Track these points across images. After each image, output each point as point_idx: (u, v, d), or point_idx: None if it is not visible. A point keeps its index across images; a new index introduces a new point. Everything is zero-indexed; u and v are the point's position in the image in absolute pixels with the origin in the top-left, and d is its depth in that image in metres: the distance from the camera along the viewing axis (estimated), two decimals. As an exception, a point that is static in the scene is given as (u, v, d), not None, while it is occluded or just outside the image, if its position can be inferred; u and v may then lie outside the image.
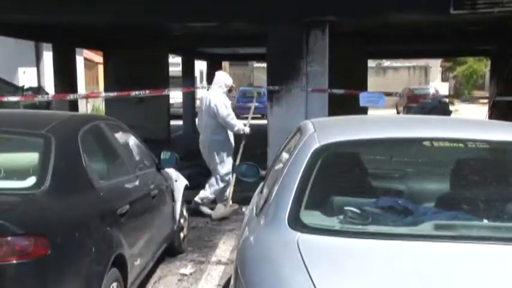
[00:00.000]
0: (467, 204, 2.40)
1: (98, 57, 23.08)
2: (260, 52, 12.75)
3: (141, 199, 4.04)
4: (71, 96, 8.61)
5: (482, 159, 2.76)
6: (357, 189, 2.62)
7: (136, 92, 7.92)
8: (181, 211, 5.26)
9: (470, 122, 3.92)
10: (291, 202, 2.36)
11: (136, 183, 4.06)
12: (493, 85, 14.95)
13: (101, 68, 17.73)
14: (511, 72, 12.36)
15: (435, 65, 35.41)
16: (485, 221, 2.27)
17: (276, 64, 7.56)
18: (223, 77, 7.20)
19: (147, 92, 7.93)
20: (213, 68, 20.29)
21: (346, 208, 2.32)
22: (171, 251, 5.08)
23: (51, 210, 2.82)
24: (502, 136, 2.77)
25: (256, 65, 33.74)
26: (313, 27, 7.36)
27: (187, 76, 17.67)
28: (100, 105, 18.59)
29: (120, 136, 4.28)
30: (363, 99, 7.72)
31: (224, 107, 6.81)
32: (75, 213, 2.97)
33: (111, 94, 8.14)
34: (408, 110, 23.44)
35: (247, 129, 7.06)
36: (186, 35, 12.65)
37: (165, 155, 4.78)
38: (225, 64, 30.52)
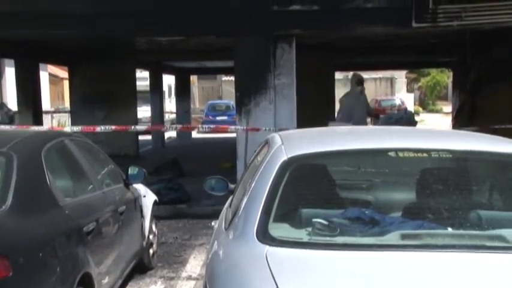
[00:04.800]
0: (432, 213, 2.43)
1: (63, 73, 22.76)
2: (228, 65, 12.80)
3: (108, 216, 3.97)
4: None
5: (445, 168, 2.81)
6: (324, 200, 2.63)
7: (102, 127, 7.74)
8: (151, 227, 5.20)
9: (434, 132, 4.00)
10: (259, 215, 2.35)
11: (104, 199, 3.99)
12: (455, 96, 15.31)
13: (66, 84, 17.47)
14: (472, 83, 12.69)
15: (400, 77, 36.06)
16: (450, 229, 2.30)
17: (243, 77, 7.59)
18: None
19: (113, 127, 7.77)
20: (181, 82, 20.32)
21: (314, 220, 2.32)
22: (140, 267, 5.00)
23: (13, 230, 2.75)
24: (464, 145, 2.82)
25: (224, 78, 33.79)
26: (280, 41, 7.44)
27: (155, 90, 17.56)
28: (66, 121, 18.30)
29: (86, 152, 4.22)
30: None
31: None
32: (38, 232, 2.90)
33: (75, 128, 7.78)
34: (375, 121, 23.76)
35: None
36: (153, 49, 12.59)
37: (132, 170, 4.73)
38: (194, 78, 30.51)
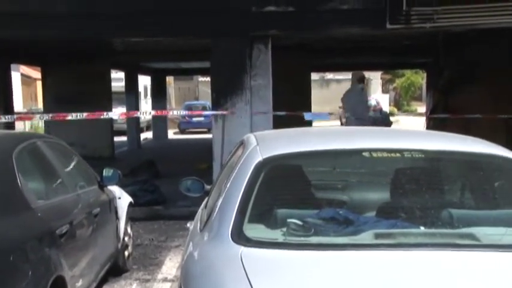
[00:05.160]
0: (405, 212, 2.46)
1: (36, 73, 22.42)
2: (205, 66, 12.74)
3: (82, 218, 3.92)
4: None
5: (418, 168, 2.85)
6: (299, 201, 2.64)
7: (74, 115, 7.63)
8: (126, 229, 5.15)
9: (408, 132, 4.05)
10: (234, 216, 2.35)
11: (77, 202, 3.94)
12: (429, 96, 15.54)
13: (39, 84, 17.20)
14: (444, 84, 12.90)
15: (376, 78, 36.40)
16: (422, 228, 2.33)
17: (220, 78, 7.58)
18: None
19: (84, 115, 7.66)
20: (157, 82, 20.20)
21: (288, 220, 2.33)
22: (115, 270, 4.95)
23: (-17, 233, 2.69)
24: (436, 145, 2.87)
25: (201, 79, 33.66)
26: (256, 41, 7.44)
27: (131, 91, 17.42)
28: (39, 122, 18.01)
29: (59, 154, 4.16)
30: (308, 115, 8.03)
31: None
32: (9, 235, 2.85)
33: (46, 116, 7.70)
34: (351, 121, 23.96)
35: None
36: (129, 49, 12.48)
37: (107, 172, 4.68)
38: (170, 79, 30.35)
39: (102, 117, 8.69)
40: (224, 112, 7.32)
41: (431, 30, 7.41)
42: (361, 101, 9.17)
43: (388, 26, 6.98)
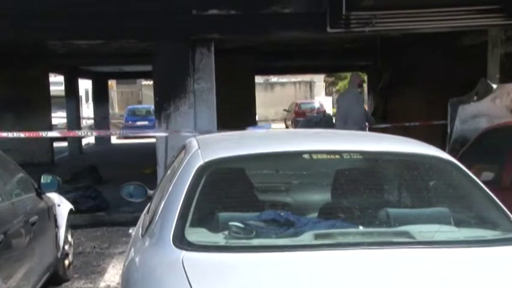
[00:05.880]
0: (344, 212, 2.52)
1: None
2: (148, 70, 12.59)
3: (18, 227, 3.78)
4: None
5: (357, 169, 2.92)
6: (242, 204, 2.65)
7: (10, 134, 7.32)
8: (66, 237, 5.01)
9: (348, 134, 4.14)
10: (175, 221, 2.33)
11: (12, 210, 3.80)
12: (370, 98, 15.96)
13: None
14: (383, 87, 13.30)
15: (319, 80, 37.07)
16: (361, 227, 2.39)
17: (162, 82, 7.51)
18: None
19: (22, 134, 7.37)
20: (99, 86, 19.75)
21: (230, 223, 2.33)
22: (55, 280, 4.80)
23: None
24: (374, 147, 2.95)
25: (144, 82, 33.20)
26: (199, 45, 7.42)
27: (71, 95, 16.94)
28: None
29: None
30: (250, 128, 7.97)
31: None
32: None
33: None
34: (296, 124, 24.34)
35: None
36: (68, 53, 12.14)
37: (45, 178, 4.54)
38: (112, 82, 29.75)
39: (41, 136, 8.38)
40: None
41: (370, 34, 7.63)
42: (358, 104, 8.74)
43: (329, 29, 7.12)
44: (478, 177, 3.56)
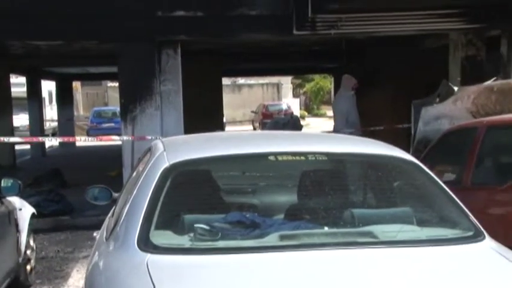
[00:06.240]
0: (309, 213, 2.54)
1: None
2: (114, 71, 12.41)
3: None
4: None
5: (322, 170, 2.94)
6: (208, 206, 2.64)
7: None
8: (28, 241, 4.90)
9: (313, 135, 4.18)
10: (140, 223, 2.32)
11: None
12: (337, 100, 16.12)
13: None
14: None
15: (286, 82, 37.26)
16: (326, 228, 2.42)
17: (128, 84, 7.44)
18: None
19: None
20: (63, 88, 19.37)
21: (196, 225, 2.33)
22: (16, 286, 4.68)
23: None
24: (339, 148, 2.98)
25: (110, 84, 32.74)
26: (165, 46, 7.39)
27: (33, 97, 16.57)
28: None
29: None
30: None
31: None
32: None
33: None
34: (263, 126, 24.41)
35: None
36: (29, 53, 11.87)
37: (5, 182, 4.43)
38: (77, 84, 29.26)
39: (3, 140, 8.17)
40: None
41: (336, 36, 7.73)
42: (354, 106, 8.68)
43: (295, 32, 7.18)
44: (441, 177, 3.66)
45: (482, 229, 2.40)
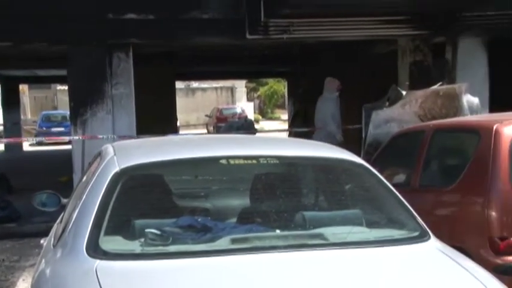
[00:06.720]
0: (262, 217, 2.55)
1: None
2: (63, 74, 12.13)
3: None
4: None
5: (273, 173, 2.96)
6: (159, 210, 2.62)
7: None
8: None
9: (266, 139, 4.21)
10: (89, 229, 2.27)
11: None
12: (290, 104, 16.31)
13: None
14: (302, 93, 13.63)
15: (240, 86, 37.35)
16: (277, 231, 2.43)
17: (78, 87, 7.30)
18: None
19: None
20: (9, 91, 18.75)
21: (146, 230, 2.30)
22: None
23: None
24: (290, 151, 3.01)
25: (59, 87, 31.93)
26: (116, 49, 7.28)
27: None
28: None
29: None
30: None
31: None
32: None
33: None
34: (218, 129, 24.38)
35: None
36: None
37: None
38: (24, 87, 28.40)
39: None
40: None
41: (288, 41, 7.82)
42: (339, 109, 8.71)
43: (248, 36, 7.23)
44: (391, 179, 3.75)
45: (427, 229, 2.47)
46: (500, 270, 3.20)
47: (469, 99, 5.88)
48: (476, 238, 3.53)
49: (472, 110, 5.81)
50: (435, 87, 6.48)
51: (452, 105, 5.71)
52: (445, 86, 6.48)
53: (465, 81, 6.73)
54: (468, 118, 5.30)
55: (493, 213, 3.45)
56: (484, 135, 3.72)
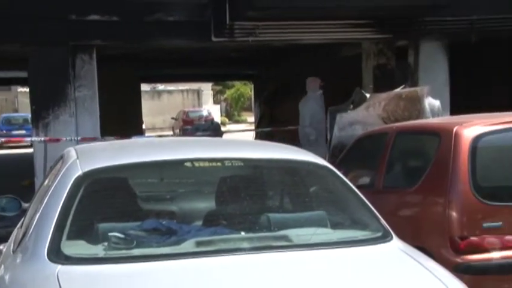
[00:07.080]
0: (227, 219, 2.55)
1: None
2: (25, 76, 11.88)
3: None
4: None
5: (238, 176, 2.97)
6: (123, 214, 2.59)
7: None
8: None
9: (231, 141, 4.21)
10: (51, 233, 2.24)
11: None
12: (256, 106, 16.36)
13: None
14: (268, 96, 13.70)
15: (207, 89, 37.24)
16: (242, 233, 2.44)
17: (40, 89, 7.16)
18: None
19: None
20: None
21: (110, 234, 2.28)
22: None
23: None
24: (255, 154, 3.02)
25: (20, 89, 31.18)
26: (79, 51, 7.17)
27: None
28: None
29: None
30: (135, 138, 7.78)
31: None
32: None
33: None
34: (184, 132, 24.24)
35: None
36: None
37: None
38: (-16, 89, 27.67)
39: None
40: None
41: (254, 43, 7.85)
42: (322, 106, 8.49)
43: (214, 38, 7.22)
44: (356, 181, 3.80)
45: (390, 230, 2.52)
46: (461, 269, 3.28)
47: (431, 102, 6.01)
48: (437, 238, 3.60)
49: (434, 113, 5.94)
50: (398, 90, 6.60)
51: (415, 107, 5.82)
52: (407, 89, 6.61)
53: (427, 84, 6.88)
54: (429, 120, 5.42)
55: (454, 213, 3.53)
56: (444, 137, 3.80)
